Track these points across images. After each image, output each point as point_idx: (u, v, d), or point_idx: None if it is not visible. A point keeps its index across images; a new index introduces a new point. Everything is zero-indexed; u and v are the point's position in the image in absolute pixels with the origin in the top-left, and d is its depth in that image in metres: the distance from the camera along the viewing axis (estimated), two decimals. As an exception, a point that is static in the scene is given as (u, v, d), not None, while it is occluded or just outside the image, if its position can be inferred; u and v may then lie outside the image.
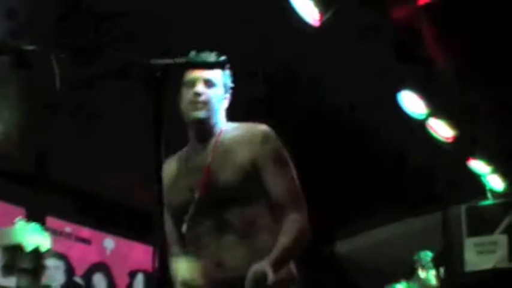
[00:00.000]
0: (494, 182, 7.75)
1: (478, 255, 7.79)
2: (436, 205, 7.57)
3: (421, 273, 5.70)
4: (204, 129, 2.80)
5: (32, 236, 4.13)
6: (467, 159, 7.24)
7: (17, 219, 4.26)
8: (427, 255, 5.74)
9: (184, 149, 2.91)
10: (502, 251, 7.77)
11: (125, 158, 6.00)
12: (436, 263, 5.73)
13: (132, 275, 7.23)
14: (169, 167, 2.85)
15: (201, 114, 2.74)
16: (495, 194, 7.94)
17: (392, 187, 7.00)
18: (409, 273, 5.80)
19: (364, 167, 6.89)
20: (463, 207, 7.95)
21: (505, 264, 7.75)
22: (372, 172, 6.93)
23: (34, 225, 4.21)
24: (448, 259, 5.35)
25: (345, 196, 7.02)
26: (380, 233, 7.95)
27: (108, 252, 7.04)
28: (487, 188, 7.87)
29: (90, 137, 5.87)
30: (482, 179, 7.68)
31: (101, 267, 6.98)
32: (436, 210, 7.68)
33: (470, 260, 7.78)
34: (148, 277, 7.08)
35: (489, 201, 7.99)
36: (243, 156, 2.75)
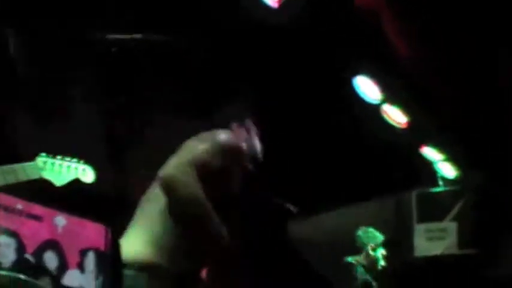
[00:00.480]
0: (446, 170, 7.85)
1: (427, 241, 7.87)
2: (390, 190, 7.63)
3: (371, 252, 5.74)
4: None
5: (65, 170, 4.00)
6: (420, 146, 7.33)
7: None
8: (376, 234, 5.81)
9: None
10: (451, 238, 7.86)
11: (80, 137, 5.96)
12: (387, 246, 5.76)
13: (84, 253, 7.18)
14: None
15: None
16: (446, 181, 8.03)
17: (348, 170, 7.05)
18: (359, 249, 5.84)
19: (321, 149, 6.91)
20: (414, 193, 8.03)
21: (454, 251, 7.85)
22: (328, 155, 6.96)
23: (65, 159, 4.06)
24: (398, 243, 5.38)
25: (300, 178, 7.04)
26: (333, 215, 7.96)
27: (59, 230, 6.91)
28: (439, 175, 7.96)
29: (46, 115, 5.84)
30: (435, 166, 7.77)
31: (52, 244, 6.90)
32: (389, 195, 7.75)
33: (420, 246, 7.85)
34: (99, 255, 7.04)
35: (440, 188, 8.07)
36: None
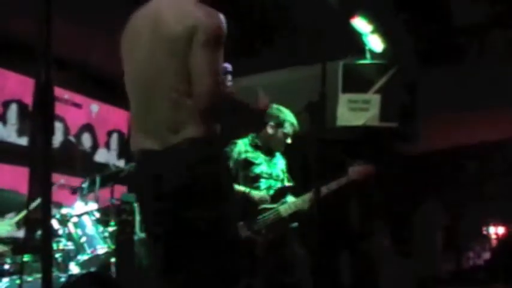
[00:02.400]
0: (374, 43, 7.89)
1: (350, 111, 7.95)
2: (318, 58, 7.60)
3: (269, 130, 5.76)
4: None
5: None
6: (352, 16, 7.33)
7: None
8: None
9: None
10: (374, 110, 7.94)
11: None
12: (312, 112, 5.70)
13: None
14: None
15: None
16: (373, 54, 8.07)
17: (278, 34, 7.03)
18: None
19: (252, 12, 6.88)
20: (340, 63, 8.01)
21: (375, 123, 7.95)
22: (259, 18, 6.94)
23: None
24: (321, 111, 5.35)
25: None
26: (261, 78, 7.91)
27: (93, 115, 8.17)
28: (367, 48, 8.00)
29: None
30: (363, 38, 7.80)
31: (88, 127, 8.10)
32: (317, 63, 7.73)
33: (342, 115, 7.91)
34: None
35: (367, 60, 8.11)
36: None
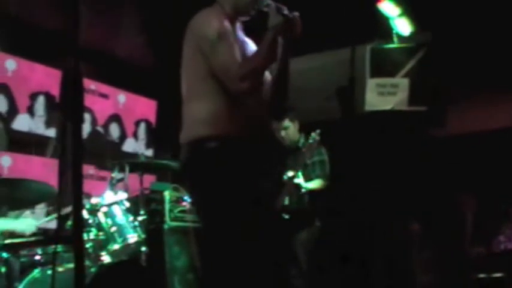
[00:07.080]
0: (401, 26, 7.80)
1: (378, 96, 7.89)
2: (345, 43, 7.53)
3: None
4: None
5: None
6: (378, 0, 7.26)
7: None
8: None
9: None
10: (402, 94, 7.88)
11: None
12: (340, 97, 5.75)
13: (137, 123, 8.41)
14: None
15: None
16: (401, 38, 7.99)
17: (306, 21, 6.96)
18: None
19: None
20: (368, 47, 7.95)
21: (404, 107, 7.88)
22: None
23: None
24: (351, 96, 5.32)
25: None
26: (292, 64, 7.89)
27: (120, 105, 8.22)
28: (394, 31, 7.91)
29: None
30: (390, 22, 7.72)
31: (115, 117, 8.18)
32: (345, 47, 7.65)
33: (371, 100, 7.86)
34: (149, 125, 8.54)
35: (394, 44, 8.02)
36: None
